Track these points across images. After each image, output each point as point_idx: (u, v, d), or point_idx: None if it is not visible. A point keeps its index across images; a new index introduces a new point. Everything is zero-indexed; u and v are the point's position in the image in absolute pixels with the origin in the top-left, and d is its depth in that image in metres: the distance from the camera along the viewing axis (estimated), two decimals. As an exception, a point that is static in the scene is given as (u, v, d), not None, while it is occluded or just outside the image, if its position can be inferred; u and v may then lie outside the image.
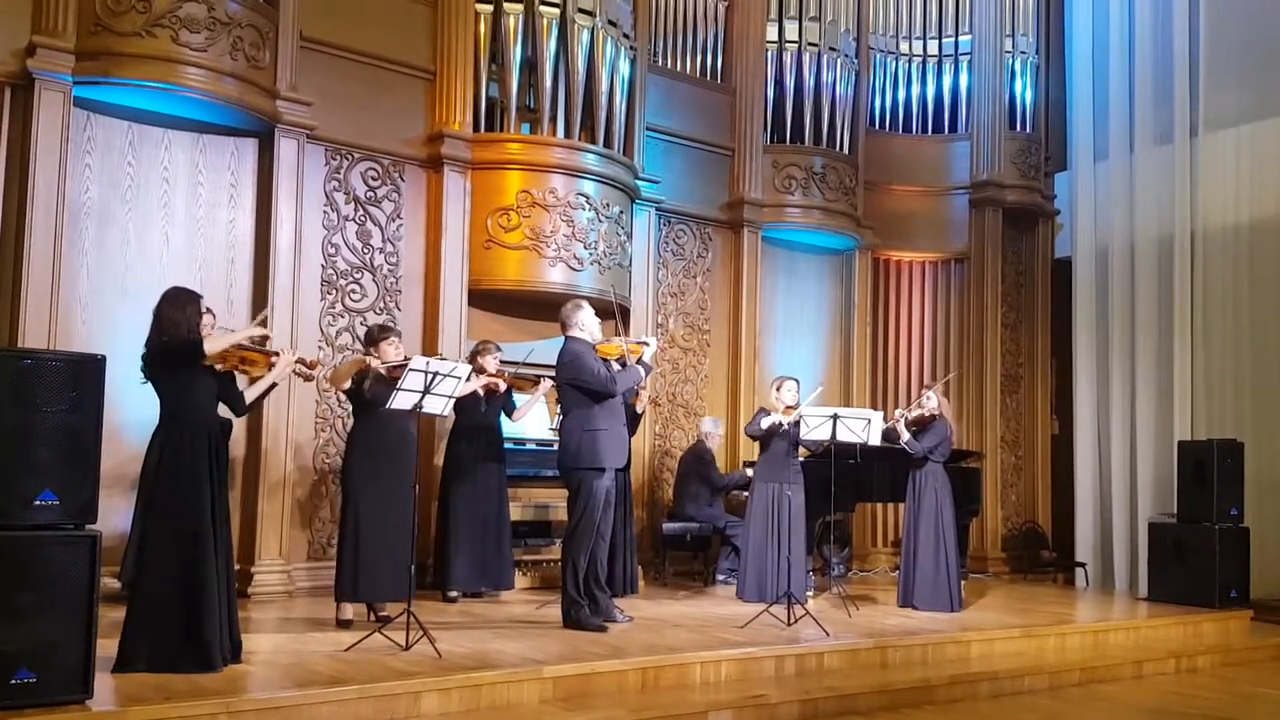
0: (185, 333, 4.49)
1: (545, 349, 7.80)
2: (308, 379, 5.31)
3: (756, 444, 7.46)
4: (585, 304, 6.16)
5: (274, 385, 4.89)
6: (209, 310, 5.32)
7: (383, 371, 5.56)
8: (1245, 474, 8.12)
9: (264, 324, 5.30)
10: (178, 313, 4.53)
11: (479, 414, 6.80)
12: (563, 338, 6.06)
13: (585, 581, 5.87)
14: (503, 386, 6.78)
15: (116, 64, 6.20)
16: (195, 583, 4.35)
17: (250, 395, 4.80)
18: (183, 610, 4.32)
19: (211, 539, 4.42)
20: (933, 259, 10.49)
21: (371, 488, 5.57)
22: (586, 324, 6.04)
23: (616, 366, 6.00)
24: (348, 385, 5.68)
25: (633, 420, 6.84)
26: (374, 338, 5.86)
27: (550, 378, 6.79)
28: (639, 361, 6.09)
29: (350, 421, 6.08)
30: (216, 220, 6.83)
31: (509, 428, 7.21)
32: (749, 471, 8.15)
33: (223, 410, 4.71)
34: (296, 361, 4.93)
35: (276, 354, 4.84)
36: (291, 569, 6.76)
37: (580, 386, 5.88)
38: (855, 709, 5.12)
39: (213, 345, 4.53)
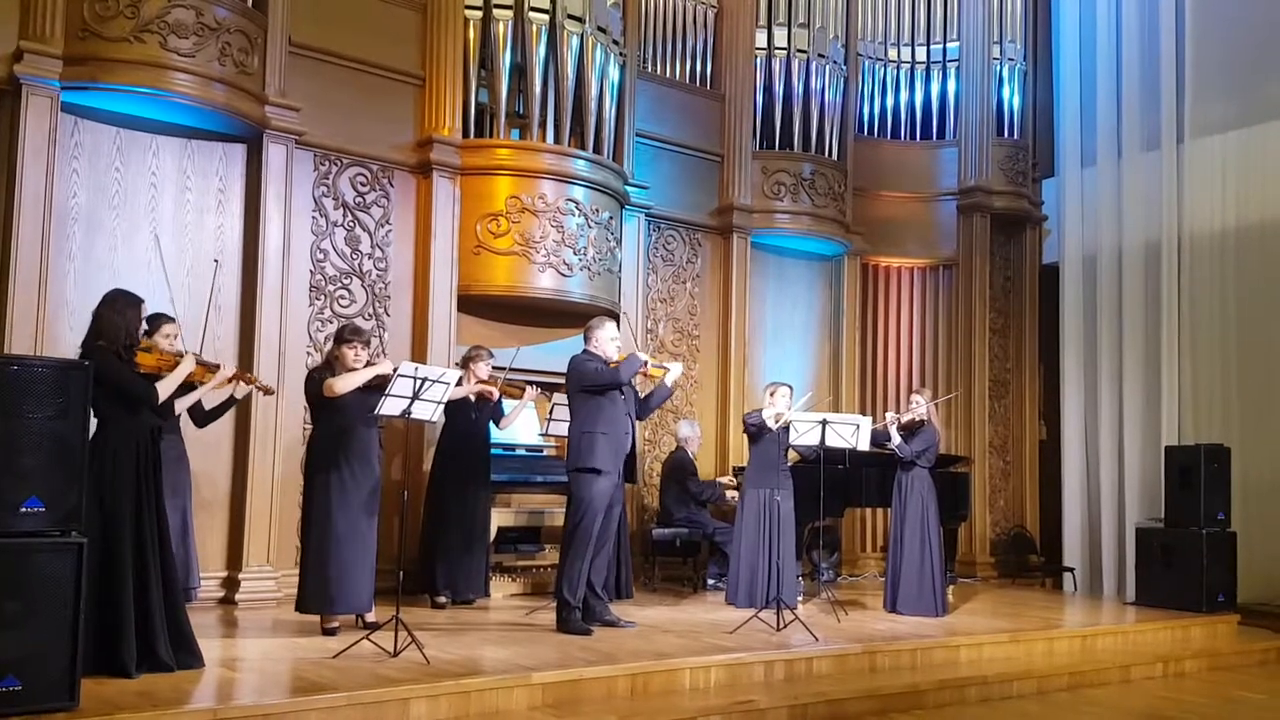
0: (124, 338, 4.51)
1: (533, 354, 7.85)
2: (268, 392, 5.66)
3: (745, 450, 7.46)
4: (609, 322, 6.23)
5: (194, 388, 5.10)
6: (171, 319, 5.28)
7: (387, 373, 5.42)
8: (1232, 478, 8.16)
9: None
10: (117, 317, 4.53)
11: (469, 421, 6.79)
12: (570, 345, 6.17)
13: (580, 586, 5.89)
14: (496, 394, 6.79)
15: (104, 69, 6.18)
16: (104, 589, 4.30)
17: (183, 400, 5.00)
18: (94, 617, 4.24)
19: (127, 546, 4.38)
20: (921, 265, 10.53)
21: (338, 496, 5.44)
22: (601, 341, 6.10)
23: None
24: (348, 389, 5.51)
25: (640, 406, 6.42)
26: (342, 338, 5.64)
27: (537, 384, 7.08)
28: (659, 384, 6.18)
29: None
30: (205, 226, 6.81)
31: (498, 434, 7.21)
32: (730, 493, 8.18)
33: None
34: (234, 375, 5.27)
35: (218, 366, 5.14)
36: (279, 575, 6.72)
37: (590, 390, 5.94)
38: (844, 714, 5.13)
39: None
